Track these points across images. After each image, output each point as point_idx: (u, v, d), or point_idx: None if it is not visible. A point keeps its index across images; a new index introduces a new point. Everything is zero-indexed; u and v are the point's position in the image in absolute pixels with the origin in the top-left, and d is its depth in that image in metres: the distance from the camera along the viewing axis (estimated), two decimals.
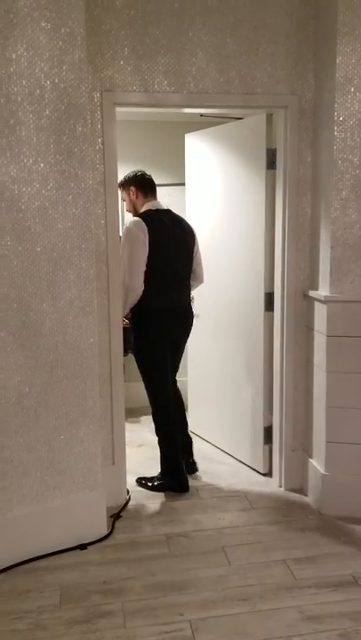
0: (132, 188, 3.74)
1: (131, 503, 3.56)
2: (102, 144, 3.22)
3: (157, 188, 4.48)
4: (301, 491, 3.66)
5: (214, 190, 4.19)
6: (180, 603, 2.64)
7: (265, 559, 2.98)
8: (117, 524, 3.33)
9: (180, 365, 4.95)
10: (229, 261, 4.06)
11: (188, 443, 3.97)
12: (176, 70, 3.24)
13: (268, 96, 3.36)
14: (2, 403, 2.86)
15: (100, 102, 3.18)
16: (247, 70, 3.31)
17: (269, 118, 3.59)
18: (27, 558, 2.97)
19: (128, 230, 3.53)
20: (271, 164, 3.61)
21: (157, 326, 3.63)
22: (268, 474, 3.89)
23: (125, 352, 3.60)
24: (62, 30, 2.76)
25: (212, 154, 4.16)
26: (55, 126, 2.81)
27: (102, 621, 2.53)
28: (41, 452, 2.98)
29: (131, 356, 3.83)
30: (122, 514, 3.43)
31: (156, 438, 3.78)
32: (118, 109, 3.25)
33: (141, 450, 4.33)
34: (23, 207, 2.79)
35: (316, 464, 3.47)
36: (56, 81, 2.78)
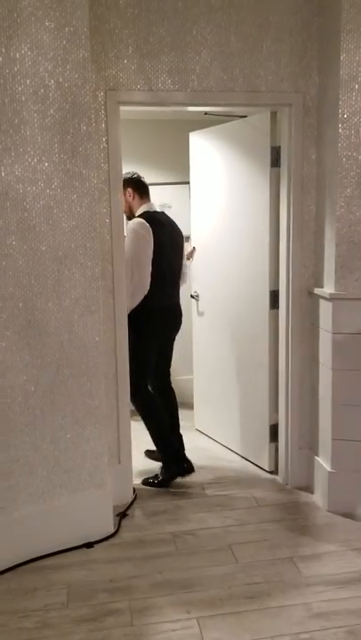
0: (130, 190, 3.78)
1: (137, 502, 3.57)
2: (107, 143, 3.22)
3: (161, 187, 4.50)
4: (308, 488, 3.66)
5: (219, 188, 4.19)
6: (187, 601, 2.65)
7: (272, 557, 2.98)
8: (124, 522, 3.33)
9: (186, 364, 4.97)
10: (234, 259, 4.06)
11: (180, 442, 3.96)
12: (180, 69, 3.24)
13: (272, 94, 3.35)
14: (8, 402, 2.87)
15: (104, 101, 3.18)
16: (251, 68, 3.30)
17: (274, 116, 3.58)
18: (33, 557, 2.98)
19: (135, 232, 3.57)
20: (276, 161, 3.61)
21: (156, 323, 3.75)
22: (275, 472, 3.89)
23: None
24: (66, 29, 2.77)
25: (217, 152, 4.16)
26: (59, 125, 2.81)
27: (109, 619, 2.54)
28: (47, 450, 2.99)
29: None
30: (128, 512, 3.44)
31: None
32: (122, 108, 3.25)
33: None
34: (28, 206, 2.79)
35: (323, 462, 3.47)
36: (60, 80, 2.78)
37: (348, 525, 3.25)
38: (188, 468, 3.81)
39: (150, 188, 5.06)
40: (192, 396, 4.82)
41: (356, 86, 3.10)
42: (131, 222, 3.65)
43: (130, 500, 3.55)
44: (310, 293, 3.53)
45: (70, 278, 2.94)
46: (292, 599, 2.65)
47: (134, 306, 3.59)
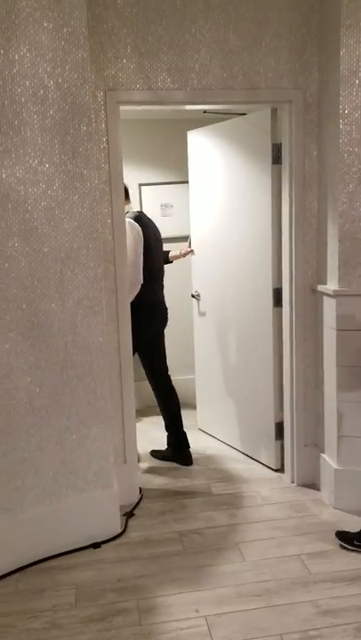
0: None
1: (143, 501, 3.57)
2: (107, 143, 3.22)
3: (162, 187, 4.48)
4: (314, 486, 3.66)
5: (218, 187, 4.18)
6: (195, 599, 2.65)
7: (279, 554, 2.97)
8: (130, 522, 3.33)
9: (187, 363, 4.97)
10: (236, 258, 4.06)
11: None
12: (179, 67, 3.23)
13: (272, 91, 3.34)
14: (13, 403, 2.87)
15: (103, 101, 3.18)
16: (251, 65, 3.30)
17: (274, 113, 3.57)
18: (41, 558, 2.99)
19: (128, 230, 3.65)
20: (277, 158, 3.60)
21: (146, 318, 3.91)
22: (281, 470, 3.89)
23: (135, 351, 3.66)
24: (64, 30, 2.76)
25: (216, 150, 4.15)
26: (59, 126, 2.81)
27: (118, 619, 2.54)
28: (53, 451, 2.99)
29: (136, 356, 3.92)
30: (135, 512, 3.44)
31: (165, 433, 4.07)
32: (122, 108, 3.25)
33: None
34: (29, 208, 2.79)
35: (329, 459, 3.46)
36: (59, 81, 2.78)
37: (356, 522, 3.24)
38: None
39: (151, 187, 5.08)
40: (194, 396, 4.82)
41: (357, 81, 3.09)
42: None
43: (136, 499, 3.55)
44: (314, 290, 3.52)
45: (73, 279, 2.94)
46: (301, 596, 2.64)
47: (130, 300, 3.63)
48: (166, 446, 4.19)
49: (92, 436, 3.08)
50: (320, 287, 3.41)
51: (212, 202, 4.26)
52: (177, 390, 4.18)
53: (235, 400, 4.25)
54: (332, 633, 2.41)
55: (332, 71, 3.17)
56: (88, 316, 3.00)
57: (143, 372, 4.15)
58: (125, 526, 3.28)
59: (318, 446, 3.63)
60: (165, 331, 4.17)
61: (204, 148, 4.28)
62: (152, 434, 4.60)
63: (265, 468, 3.98)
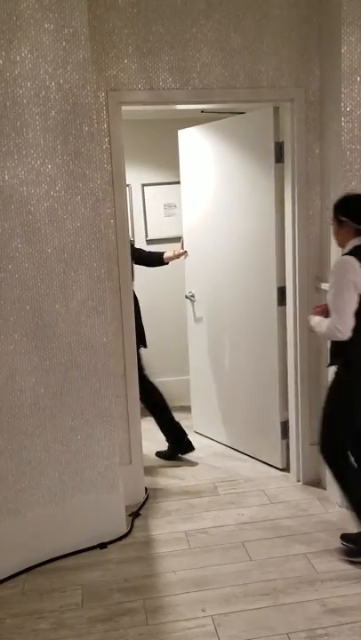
0: None
1: (149, 501, 3.57)
2: (109, 143, 3.22)
3: (165, 187, 4.46)
4: (320, 484, 3.65)
5: (216, 186, 4.11)
6: (201, 599, 2.65)
7: (286, 553, 2.97)
8: (136, 522, 3.34)
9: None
10: (237, 256, 4.03)
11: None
12: (181, 67, 3.23)
13: (273, 89, 3.34)
14: (18, 404, 2.88)
15: (105, 102, 3.18)
16: (252, 64, 3.29)
17: (276, 111, 3.56)
18: (48, 558, 2.99)
19: None
20: (279, 157, 3.59)
21: None
22: (286, 469, 3.88)
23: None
24: (65, 31, 2.77)
25: (213, 149, 4.09)
26: (62, 127, 2.81)
27: (125, 619, 2.54)
28: (58, 452, 3.00)
29: None
30: (140, 512, 3.44)
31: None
32: (124, 108, 3.25)
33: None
34: (32, 209, 2.80)
35: None
36: (61, 82, 2.78)
37: None
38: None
39: (154, 187, 5.07)
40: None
41: (359, 79, 3.08)
42: None
43: (142, 499, 3.55)
44: (317, 289, 3.51)
45: (76, 280, 2.94)
46: (307, 595, 2.64)
47: None
48: (168, 445, 4.20)
49: (97, 436, 3.09)
50: (324, 285, 3.40)
51: (209, 201, 4.20)
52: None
53: (237, 400, 4.22)
54: (339, 631, 2.40)
55: (334, 69, 3.17)
56: (92, 317, 3.00)
57: None
58: (131, 526, 3.28)
59: None
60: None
61: (198, 146, 4.21)
62: (158, 434, 4.59)
63: (270, 467, 3.97)
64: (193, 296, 4.47)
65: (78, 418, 3.03)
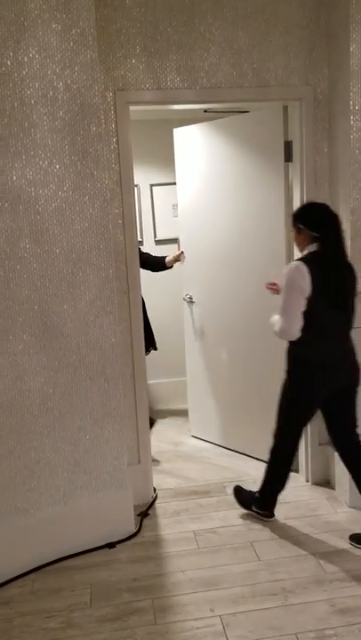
0: None
1: (158, 501, 3.57)
2: (117, 143, 3.22)
3: (172, 187, 4.40)
4: (329, 484, 3.64)
5: (220, 185, 4.05)
6: (210, 598, 2.64)
7: (294, 553, 2.96)
8: (145, 522, 3.34)
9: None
10: (244, 258, 3.99)
11: None
12: (188, 66, 3.23)
13: (282, 88, 3.33)
14: (27, 404, 2.89)
15: (113, 102, 3.18)
16: (260, 63, 3.28)
17: (285, 110, 3.55)
18: (57, 558, 3.00)
19: None
20: (288, 156, 3.58)
21: None
22: (295, 469, 3.86)
23: (147, 350, 3.63)
24: (73, 31, 2.77)
25: (213, 148, 4.04)
26: (69, 127, 2.82)
27: (133, 618, 2.54)
28: (67, 452, 3.00)
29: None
30: (149, 512, 3.44)
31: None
32: (132, 108, 3.25)
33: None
34: (40, 209, 2.80)
35: None
36: (68, 82, 2.79)
37: None
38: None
39: (162, 188, 5.07)
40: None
41: None
42: None
43: (150, 499, 3.56)
44: None
45: (85, 280, 2.94)
46: (316, 595, 2.63)
47: None
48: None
49: (105, 436, 3.09)
50: None
51: (209, 200, 4.13)
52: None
53: (240, 402, 4.17)
54: (348, 632, 2.39)
55: (343, 67, 3.15)
56: (100, 317, 3.00)
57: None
58: (140, 526, 3.28)
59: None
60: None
61: (195, 145, 4.15)
62: (166, 434, 4.61)
63: None
64: (191, 298, 4.39)
65: (87, 418, 3.03)
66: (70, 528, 3.04)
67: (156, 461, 4.05)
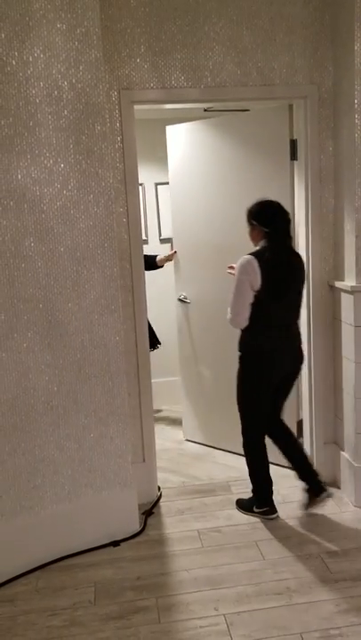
0: None
1: (162, 499, 3.57)
2: (122, 142, 3.23)
3: (165, 187, 4.37)
4: (334, 484, 3.62)
5: (218, 184, 4.01)
6: (214, 597, 2.64)
7: (299, 553, 2.95)
8: (149, 520, 3.34)
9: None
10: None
11: None
12: (193, 65, 3.23)
13: (286, 87, 3.33)
14: (31, 402, 2.89)
15: (117, 101, 3.19)
16: (265, 62, 3.28)
17: (290, 109, 3.54)
18: (61, 556, 3.01)
19: None
20: (293, 154, 3.57)
21: None
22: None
23: (153, 346, 3.63)
24: (78, 31, 2.78)
25: (216, 146, 4.00)
26: (74, 126, 2.82)
27: (137, 617, 2.54)
28: (71, 450, 3.01)
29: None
30: (153, 510, 3.44)
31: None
32: (136, 107, 3.25)
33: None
34: (45, 208, 2.81)
35: (348, 456, 3.43)
36: (73, 81, 2.80)
37: None
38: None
39: (167, 186, 5.06)
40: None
41: None
42: None
43: (155, 497, 3.56)
44: (331, 287, 3.49)
45: (89, 278, 2.95)
46: (321, 595, 2.62)
47: None
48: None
49: (110, 434, 3.09)
50: (337, 283, 3.38)
51: (208, 200, 4.08)
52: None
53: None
54: (353, 632, 2.38)
55: (347, 66, 3.14)
56: (105, 315, 3.01)
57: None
58: (144, 524, 3.28)
59: (338, 444, 3.60)
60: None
61: (191, 143, 4.12)
62: (171, 433, 4.60)
63: (282, 467, 3.94)
64: (186, 298, 4.34)
65: (91, 416, 3.04)
66: (74, 526, 3.05)
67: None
